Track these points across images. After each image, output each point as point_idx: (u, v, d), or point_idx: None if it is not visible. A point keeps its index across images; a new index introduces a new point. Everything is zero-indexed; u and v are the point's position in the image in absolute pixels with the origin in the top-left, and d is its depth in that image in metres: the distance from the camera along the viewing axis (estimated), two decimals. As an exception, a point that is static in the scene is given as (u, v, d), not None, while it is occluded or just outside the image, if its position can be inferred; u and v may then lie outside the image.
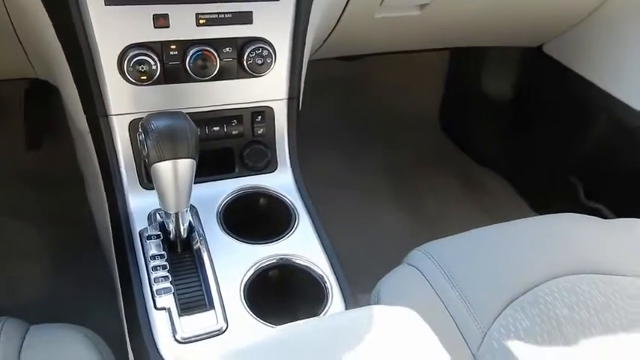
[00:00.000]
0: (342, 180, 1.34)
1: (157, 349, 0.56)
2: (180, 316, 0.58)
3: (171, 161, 0.57)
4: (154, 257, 0.63)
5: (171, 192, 0.59)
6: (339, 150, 1.40)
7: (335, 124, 1.43)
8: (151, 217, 0.68)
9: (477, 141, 1.53)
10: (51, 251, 1.12)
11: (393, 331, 0.47)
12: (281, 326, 0.50)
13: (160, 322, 0.58)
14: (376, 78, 1.47)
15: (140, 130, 0.58)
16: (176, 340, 0.57)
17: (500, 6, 1.03)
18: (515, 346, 0.59)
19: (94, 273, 0.97)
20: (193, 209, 0.70)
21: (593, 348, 0.58)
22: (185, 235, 0.65)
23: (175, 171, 0.57)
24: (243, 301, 0.61)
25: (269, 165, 0.78)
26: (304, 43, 0.75)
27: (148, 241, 0.65)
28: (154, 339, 0.57)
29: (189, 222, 0.66)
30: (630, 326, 0.61)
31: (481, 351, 0.59)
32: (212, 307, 0.60)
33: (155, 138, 0.56)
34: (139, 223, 0.67)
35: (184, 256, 0.66)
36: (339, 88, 1.41)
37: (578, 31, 1.21)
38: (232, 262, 0.65)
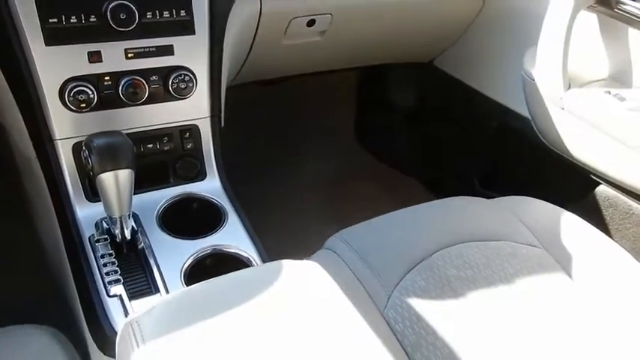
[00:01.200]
0: (267, 191, 1.44)
1: (113, 327, 0.67)
2: (130, 300, 0.69)
3: (112, 172, 0.68)
4: (103, 256, 0.73)
5: (115, 198, 0.71)
6: (262, 165, 1.50)
7: (258, 142, 1.54)
8: (97, 225, 0.79)
9: (391, 150, 1.69)
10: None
11: (299, 282, 0.59)
12: (202, 282, 0.58)
13: (113, 307, 0.69)
14: (294, 98, 1.60)
15: (84, 148, 0.70)
16: None
17: (390, 28, 1.19)
18: (414, 302, 0.72)
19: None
20: (136, 215, 0.81)
21: (477, 298, 0.72)
22: (129, 237, 0.76)
23: (117, 180, 0.69)
24: (184, 284, 0.73)
25: (199, 174, 0.90)
26: (220, 69, 0.89)
27: (97, 244, 0.75)
28: (109, 320, 0.68)
29: (132, 227, 0.77)
30: (506, 279, 0.75)
31: (387, 309, 0.72)
32: (157, 291, 0.71)
33: (98, 153, 0.67)
34: (87, 231, 0.78)
35: (130, 255, 0.77)
36: (261, 110, 1.52)
37: (460, 44, 1.37)
38: (173, 255, 0.76)
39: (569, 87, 1.04)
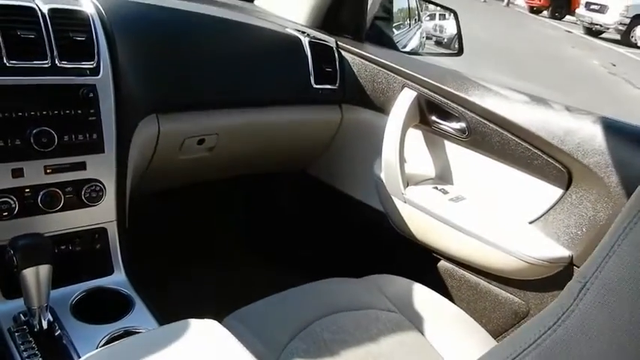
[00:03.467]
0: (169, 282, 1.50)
1: None
2: None
3: (35, 267, 0.81)
4: (23, 343, 0.83)
5: (35, 290, 0.82)
6: (163, 258, 1.57)
7: (160, 242, 1.63)
8: (15, 319, 0.88)
9: (277, 244, 1.81)
10: None
11: (201, 341, 0.73)
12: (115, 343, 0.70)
13: None
14: (191, 204, 1.74)
15: (9, 248, 0.82)
16: None
17: (266, 144, 1.41)
18: None
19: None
20: (52, 308, 0.91)
21: (350, 356, 0.90)
22: (46, 327, 0.86)
23: (38, 274, 0.81)
24: None
25: (108, 269, 1.03)
26: (125, 180, 1.06)
27: (16, 334, 0.84)
28: None
29: (48, 318, 0.88)
30: (372, 338, 0.94)
31: None
32: None
33: (22, 251, 0.80)
34: (5, 324, 0.87)
35: (48, 340, 0.86)
36: (160, 215, 1.64)
37: (327, 153, 1.58)
38: (88, 338, 0.87)
39: (408, 185, 1.34)
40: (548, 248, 1.14)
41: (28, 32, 0.91)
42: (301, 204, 1.76)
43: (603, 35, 14.91)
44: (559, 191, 1.15)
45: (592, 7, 15.06)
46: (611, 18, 14.25)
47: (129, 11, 1.12)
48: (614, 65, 9.85)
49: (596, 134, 1.06)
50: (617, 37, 13.99)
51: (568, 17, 17.76)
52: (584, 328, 0.39)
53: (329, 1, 1.49)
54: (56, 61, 0.93)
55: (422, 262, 1.37)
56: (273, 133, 1.41)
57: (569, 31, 15.28)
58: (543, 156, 1.14)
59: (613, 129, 1.06)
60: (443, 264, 1.35)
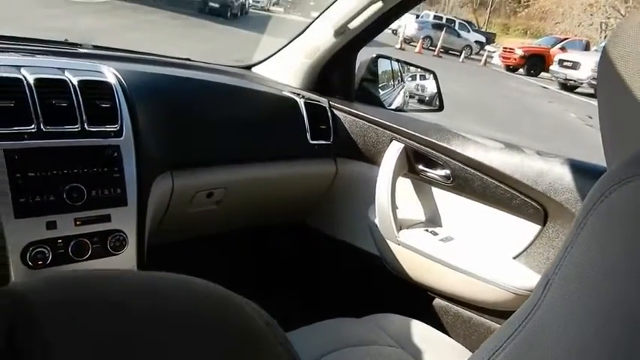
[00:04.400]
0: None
1: None
2: None
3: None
4: None
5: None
6: None
7: None
8: None
9: (286, 296, 1.90)
10: None
11: None
12: None
13: None
14: (203, 258, 1.81)
15: None
16: None
17: (267, 198, 1.53)
18: None
19: None
20: None
21: None
22: None
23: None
24: None
25: None
26: (145, 231, 1.16)
27: None
28: None
29: None
30: None
31: None
32: None
33: None
34: None
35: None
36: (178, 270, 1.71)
37: (324, 204, 1.68)
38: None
39: (401, 229, 1.45)
40: (532, 280, 1.24)
41: (62, 101, 1.04)
42: (302, 252, 1.86)
43: (578, 90, 15.56)
44: (537, 227, 1.27)
45: (565, 64, 15.83)
46: (584, 73, 14.96)
47: (146, 81, 1.26)
48: (591, 117, 10.27)
49: (564, 174, 1.20)
50: (592, 91, 14.61)
51: (543, 74, 18.57)
52: (550, 320, 0.43)
53: (321, 66, 1.65)
54: (85, 126, 1.05)
55: (418, 301, 1.46)
56: (274, 186, 1.53)
57: (545, 87, 15.95)
58: (520, 196, 1.27)
59: (579, 169, 1.20)
60: (438, 301, 1.44)
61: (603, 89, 0.55)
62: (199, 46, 9.75)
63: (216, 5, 18.79)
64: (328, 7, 1.57)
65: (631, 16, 0.52)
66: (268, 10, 30.38)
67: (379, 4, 1.44)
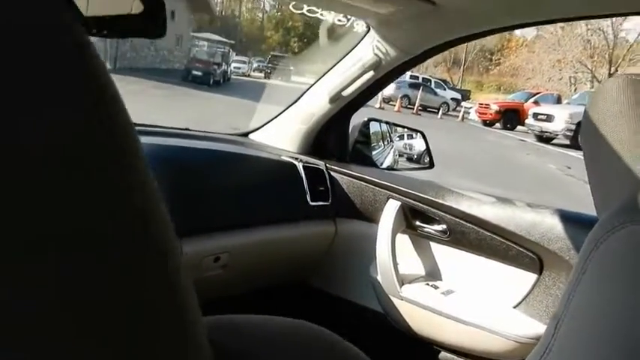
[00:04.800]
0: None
1: None
2: None
3: None
4: None
5: None
6: None
7: None
8: None
9: None
10: None
11: None
12: None
13: None
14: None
15: None
16: None
17: (269, 259, 1.58)
18: None
19: None
20: None
21: None
22: None
23: None
24: None
25: None
26: None
27: None
28: None
29: None
30: None
31: None
32: None
33: None
34: None
35: None
36: None
37: (324, 263, 1.72)
38: None
39: (403, 284, 1.49)
40: (534, 328, 1.29)
41: None
42: (305, 312, 1.86)
43: (554, 141, 16.05)
44: (534, 276, 1.33)
45: (540, 117, 16.41)
46: (559, 125, 15.50)
47: (150, 152, 1.33)
48: (569, 168, 10.56)
49: (556, 224, 1.27)
50: (567, 142, 15.09)
51: (519, 127, 19.17)
52: (563, 356, 0.48)
53: (316, 131, 1.74)
54: None
55: (423, 355, 1.49)
56: (276, 248, 1.58)
57: (522, 140, 16.43)
58: (516, 246, 1.33)
59: (569, 218, 1.27)
60: (443, 355, 1.47)
61: (587, 146, 0.63)
62: (186, 114, 9.98)
63: (199, 73, 19.36)
64: (322, 77, 1.67)
65: (605, 82, 0.61)
66: (249, 76, 31.31)
67: (371, 73, 1.54)
